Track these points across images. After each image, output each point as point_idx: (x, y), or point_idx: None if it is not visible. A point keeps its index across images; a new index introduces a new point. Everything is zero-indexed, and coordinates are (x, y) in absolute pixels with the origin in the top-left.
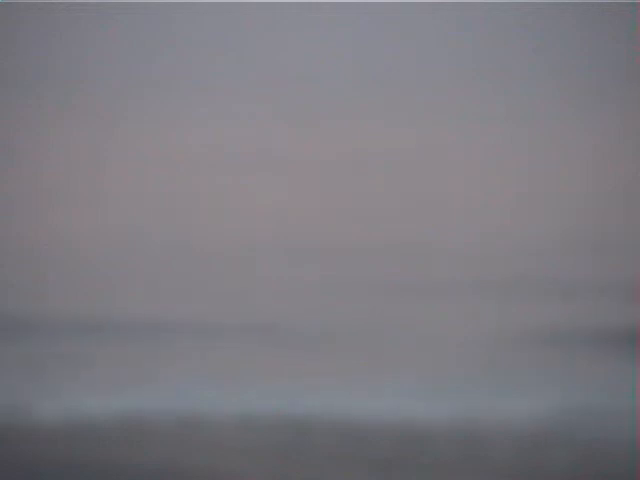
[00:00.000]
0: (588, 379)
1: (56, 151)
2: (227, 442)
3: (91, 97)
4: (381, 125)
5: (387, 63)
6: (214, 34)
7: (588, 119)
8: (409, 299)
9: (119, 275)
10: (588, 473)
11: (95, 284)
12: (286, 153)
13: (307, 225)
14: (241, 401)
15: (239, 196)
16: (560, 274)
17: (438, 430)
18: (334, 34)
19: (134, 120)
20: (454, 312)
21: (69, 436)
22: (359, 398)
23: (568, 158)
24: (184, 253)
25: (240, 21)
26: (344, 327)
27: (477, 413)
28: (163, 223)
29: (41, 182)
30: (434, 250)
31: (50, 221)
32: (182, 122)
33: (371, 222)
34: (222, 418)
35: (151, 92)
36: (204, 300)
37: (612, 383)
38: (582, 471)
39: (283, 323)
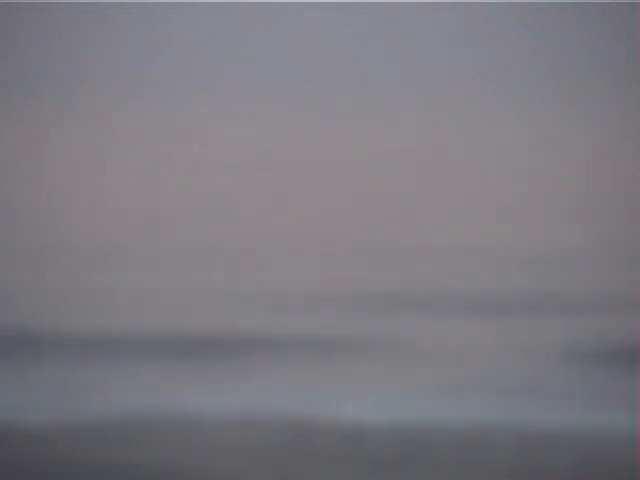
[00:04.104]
0: (590, 391)
1: (56, 151)
2: (227, 442)
3: (91, 97)
4: (381, 125)
5: (387, 63)
6: (214, 34)
7: (588, 119)
8: (406, 307)
9: (118, 280)
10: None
11: (94, 292)
12: (286, 153)
13: (307, 225)
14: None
15: (239, 196)
16: (559, 281)
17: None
18: (334, 34)
19: (134, 120)
20: (452, 320)
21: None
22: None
23: (568, 158)
24: (184, 254)
25: (240, 21)
26: (345, 333)
27: (483, 420)
28: (163, 223)
29: (41, 182)
30: (433, 254)
31: (49, 221)
32: (182, 122)
33: (371, 223)
34: (223, 418)
35: (151, 92)
36: (204, 305)
37: (613, 395)
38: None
39: (279, 330)
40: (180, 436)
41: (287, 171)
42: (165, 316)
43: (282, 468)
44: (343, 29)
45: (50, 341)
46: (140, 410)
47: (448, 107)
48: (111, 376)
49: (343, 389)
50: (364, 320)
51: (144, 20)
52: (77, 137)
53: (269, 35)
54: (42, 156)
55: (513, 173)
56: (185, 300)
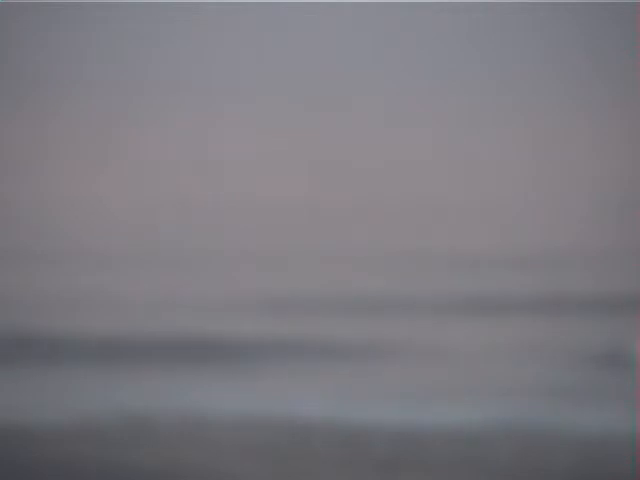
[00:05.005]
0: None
1: (56, 151)
2: (227, 442)
3: (91, 97)
4: (381, 125)
5: (388, 64)
6: (214, 34)
7: (587, 119)
8: (407, 309)
9: (119, 282)
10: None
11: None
12: (285, 153)
13: (306, 226)
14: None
15: (238, 197)
16: (559, 281)
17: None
18: (334, 34)
19: (133, 120)
20: (451, 325)
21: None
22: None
23: (568, 158)
24: (183, 256)
25: (240, 21)
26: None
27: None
28: (163, 224)
29: (40, 182)
30: (433, 258)
31: (49, 223)
32: (182, 122)
33: (370, 225)
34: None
35: (151, 92)
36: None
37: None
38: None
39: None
40: (180, 436)
41: (286, 171)
42: (165, 318)
43: (281, 468)
44: (344, 29)
45: (51, 343)
46: (140, 411)
47: (449, 108)
48: (112, 378)
49: (342, 391)
50: (364, 322)
51: (144, 20)
52: (76, 137)
53: (269, 35)
54: (41, 156)
55: (513, 173)
56: (185, 302)
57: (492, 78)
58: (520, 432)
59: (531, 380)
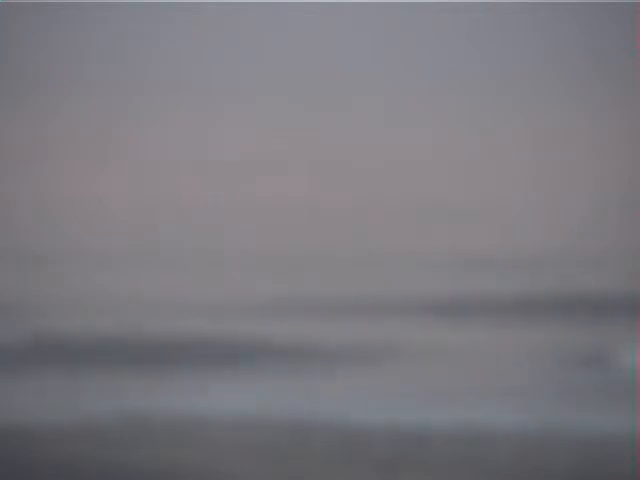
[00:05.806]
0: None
1: (56, 151)
2: (225, 440)
3: (91, 97)
4: (381, 125)
5: (388, 64)
6: (214, 34)
7: (588, 120)
8: (407, 310)
9: (118, 283)
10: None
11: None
12: (286, 154)
13: (307, 227)
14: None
15: (238, 197)
16: (558, 282)
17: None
18: (334, 34)
19: (133, 120)
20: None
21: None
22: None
23: (568, 159)
24: (184, 257)
25: (240, 21)
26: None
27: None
28: (163, 224)
29: (40, 182)
30: (433, 258)
31: (49, 224)
32: (182, 122)
33: (370, 227)
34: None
35: (151, 92)
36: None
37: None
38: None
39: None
40: (180, 436)
41: (286, 171)
42: (165, 318)
43: (281, 468)
44: (344, 29)
45: (51, 343)
46: (140, 411)
47: (449, 108)
48: (112, 378)
49: (342, 391)
50: (364, 322)
51: (144, 20)
52: (76, 137)
53: (269, 35)
54: (41, 156)
55: (513, 173)
56: (185, 302)
57: (492, 78)
58: (520, 432)
59: (531, 380)
